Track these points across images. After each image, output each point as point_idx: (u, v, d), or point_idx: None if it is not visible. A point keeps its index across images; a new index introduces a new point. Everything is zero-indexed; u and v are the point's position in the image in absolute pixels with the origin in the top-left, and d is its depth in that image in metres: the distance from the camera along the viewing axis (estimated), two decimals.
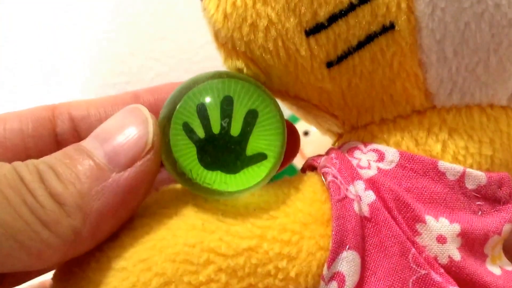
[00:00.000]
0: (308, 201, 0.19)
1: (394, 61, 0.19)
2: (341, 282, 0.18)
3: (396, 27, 0.18)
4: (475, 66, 0.19)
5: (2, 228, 0.15)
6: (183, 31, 0.53)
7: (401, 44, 0.18)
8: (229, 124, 0.18)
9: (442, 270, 0.18)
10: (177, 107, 0.18)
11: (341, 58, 0.19)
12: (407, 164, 0.19)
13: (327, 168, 0.20)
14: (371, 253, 0.18)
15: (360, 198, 0.19)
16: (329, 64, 0.19)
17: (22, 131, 0.21)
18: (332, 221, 0.18)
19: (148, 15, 0.54)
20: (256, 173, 0.19)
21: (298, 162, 0.46)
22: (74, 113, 0.22)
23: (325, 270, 0.18)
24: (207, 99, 0.18)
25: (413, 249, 0.18)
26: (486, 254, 0.19)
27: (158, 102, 0.23)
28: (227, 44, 0.20)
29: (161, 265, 0.17)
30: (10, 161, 0.17)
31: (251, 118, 0.18)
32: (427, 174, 0.19)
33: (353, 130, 0.22)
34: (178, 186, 0.20)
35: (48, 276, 0.21)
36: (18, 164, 0.17)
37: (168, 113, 0.18)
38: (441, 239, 0.18)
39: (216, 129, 0.18)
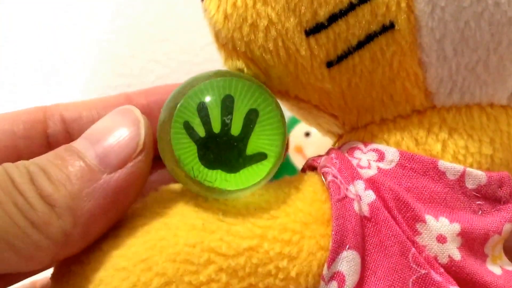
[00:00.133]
0: (308, 201, 0.19)
1: (394, 60, 0.19)
2: (341, 281, 0.18)
3: (396, 27, 0.18)
4: (475, 65, 0.19)
5: None
6: (184, 32, 0.53)
7: (401, 44, 0.18)
8: (231, 121, 0.18)
9: (442, 270, 0.18)
10: (178, 106, 0.18)
11: (341, 58, 0.19)
12: (407, 164, 0.19)
13: (327, 168, 0.20)
14: (371, 252, 0.18)
15: (360, 198, 0.19)
16: (329, 64, 0.19)
17: (13, 133, 0.21)
18: (332, 221, 0.18)
19: (148, 16, 0.54)
20: (256, 172, 0.19)
21: (299, 162, 0.46)
22: (66, 114, 0.22)
23: (325, 270, 0.18)
24: (208, 98, 0.18)
25: (413, 248, 0.18)
26: (486, 254, 0.19)
27: (150, 104, 0.23)
28: (228, 44, 0.20)
29: (161, 265, 0.17)
30: (0, 162, 0.17)
31: (252, 117, 0.18)
32: (427, 173, 0.19)
33: (353, 130, 0.22)
34: (178, 186, 0.20)
35: (39, 276, 0.21)
36: (8, 165, 0.17)
37: (169, 112, 0.18)
38: (441, 239, 0.18)
39: (216, 128, 0.18)
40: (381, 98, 0.20)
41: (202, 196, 0.19)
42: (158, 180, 0.22)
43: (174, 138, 0.18)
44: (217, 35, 0.21)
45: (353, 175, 0.19)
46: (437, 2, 0.18)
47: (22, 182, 0.16)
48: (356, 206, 0.18)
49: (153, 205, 0.19)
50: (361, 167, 0.20)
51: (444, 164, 0.19)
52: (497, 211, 0.19)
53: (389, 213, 0.19)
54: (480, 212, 0.19)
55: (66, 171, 0.17)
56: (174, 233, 0.17)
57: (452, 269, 0.18)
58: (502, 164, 0.20)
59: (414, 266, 0.18)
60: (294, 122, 0.46)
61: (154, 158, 0.19)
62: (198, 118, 0.18)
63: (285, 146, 0.19)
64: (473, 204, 0.19)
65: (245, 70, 0.20)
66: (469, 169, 0.19)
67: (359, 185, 0.19)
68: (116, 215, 0.18)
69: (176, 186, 0.20)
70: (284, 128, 0.19)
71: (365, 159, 0.20)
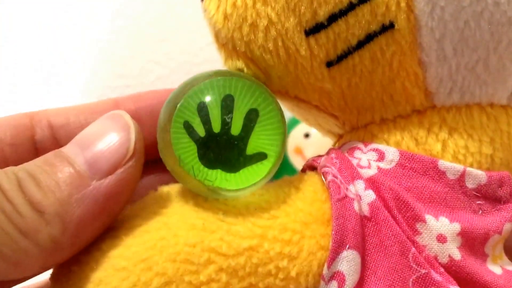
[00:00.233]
0: (308, 201, 0.19)
1: (394, 60, 0.19)
2: (341, 281, 0.18)
3: (396, 26, 0.18)
4: (475, 64, 0.19)
5: None
6: (184, 32, 0.53)
7: (400, 43, 0.18)
8: (231, 121, 0.18)
9: (442, 270, 0.18)
10: (178, 105, 0.18)
11: (341, 58, 0.19)
12: (407, 164, 0.19)
13: (327, 168, 0.20)
14: (371, 252, 0.18)
15: (360, 198, 0.19)
16: (329, 64, 0.19)
17: (0, 139, 0.21)
18: (332, 221, 0.18)
19: (148, 17, 0.54)
20: (256, 172, 0.19)
21: (298, 163, 0.46)
22: (53, 120, 0.22)
23: (325, 270, 0.18)
24: (208, 98, 0.18)
25: (413, 248, 0.18)
26: (486, 254, 0.19)
27: (139, 110, 0.22)
28: (228, 44, 0.20)
29: (161, 264, 0.17)
30: None
31: (252, 117, 0.18)
32: (427, 173, 0.19)
33: (353, 130, 0.22)
34: (178, 186, 0.20)
35: (29, 282, 0.21)
36: None
37: (169, 112, 0.18)
38: (441, 238, 0.18)
39: (216, 127, 0.18)
40: (381, 98, 0.20)
41: (202, 196, 0.19)
42: (156, 184, 0.22)
43: (174, 137, 0.18)
44: (217, 35, 0.21)
45: (353, 174, 0.19)
46: (437, 2, 0.18)
47: (11, 188, 0.16)
48: (356, 205, 0.18)
49: (153, 205, 0.19)
50: (361, 167, 0.20)
51: (444, 163, 0.19)
52: (497, 211, 0.19)
53: (389, 213, 0.19)
54: (480, 211, 0.19)
55: (55, 177, 0.16)
56: (174, 233, 0.17)
57: (452, 269, 0.18)
58: (502, 164, 0.20)
59: (414, 265, 0.18)
60: (293, 123, 0.46)
61: (148, 162, 0.19)
62: (198, 118, 0.18)
63: (285, 146, 0.19)
64: (473, 204, 0.19)
65: (245, 70, 0.20)
66: (469, 169, 0.19)
67: (359, 185, 0.19)
68: (106, 221, 0.17)
69: (176, 186, 0.20)
70: (284, 128, 0.19)
71: (365, 159, 0.20)
